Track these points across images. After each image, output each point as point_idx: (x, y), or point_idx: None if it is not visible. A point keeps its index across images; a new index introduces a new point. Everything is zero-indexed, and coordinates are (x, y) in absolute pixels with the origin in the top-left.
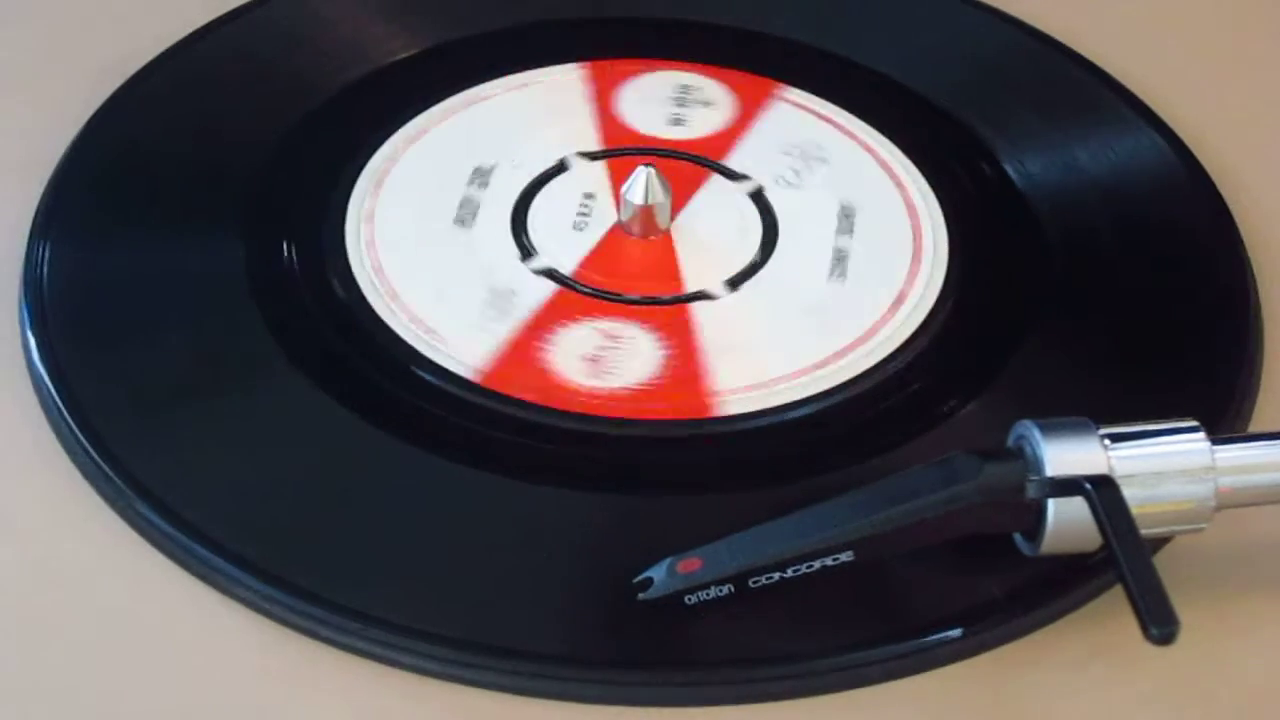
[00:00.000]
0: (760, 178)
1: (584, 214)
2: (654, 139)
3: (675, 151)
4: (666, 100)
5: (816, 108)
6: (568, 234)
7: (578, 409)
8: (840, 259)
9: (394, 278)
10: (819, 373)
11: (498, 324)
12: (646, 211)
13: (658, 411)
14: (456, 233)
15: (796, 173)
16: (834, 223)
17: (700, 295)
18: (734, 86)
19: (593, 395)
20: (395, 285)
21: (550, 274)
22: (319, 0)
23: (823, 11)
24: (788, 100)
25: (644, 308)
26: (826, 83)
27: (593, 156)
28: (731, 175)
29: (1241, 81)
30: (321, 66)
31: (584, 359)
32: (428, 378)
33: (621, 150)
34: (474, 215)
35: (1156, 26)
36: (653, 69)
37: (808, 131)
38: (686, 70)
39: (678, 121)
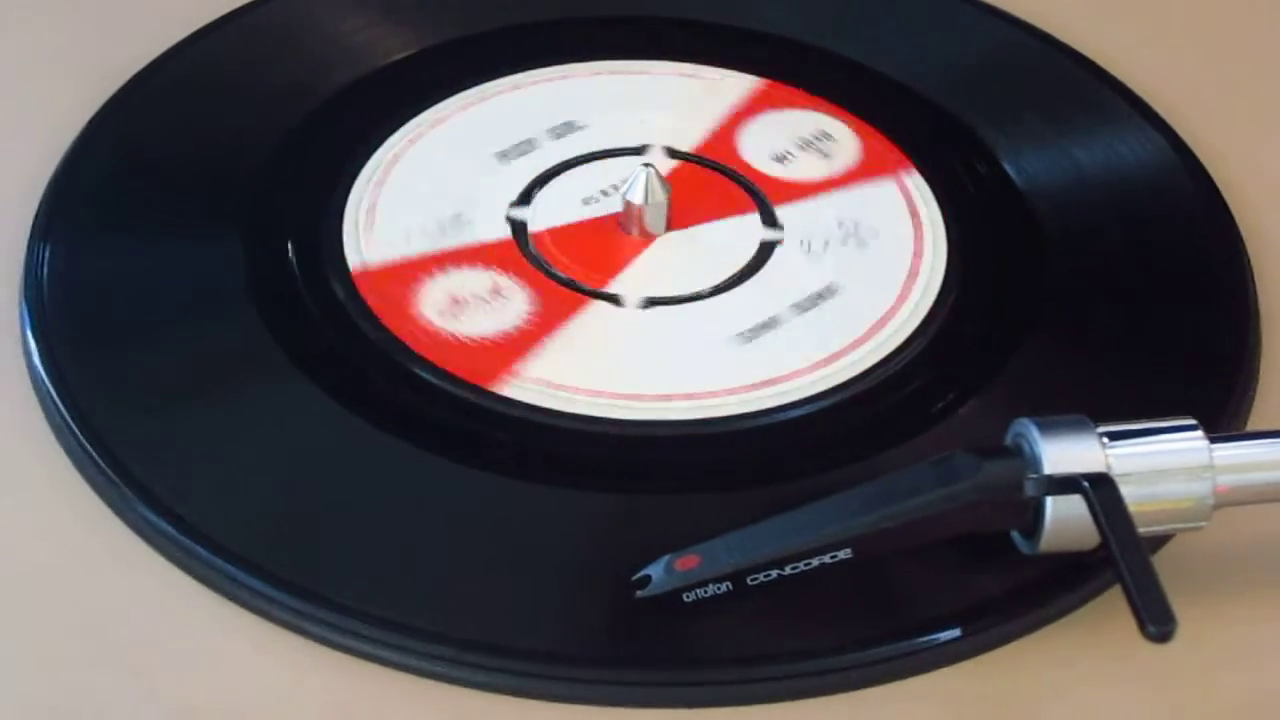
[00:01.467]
0: (793, 237)
1: (605, 194)
2: (746, 166)
3: (743, 178)
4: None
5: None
6: (571, 204)
7: (406, 338)
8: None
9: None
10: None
11: (423, 239)
12: (638, 211)
13: (451, 363)
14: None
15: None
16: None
17: (610, 298)
18: (865, 145)
19: (427, 330)
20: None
21: (516, 224)
22: (319, 1)
23: (822, 9)
24: (906, 176)
25: (553, 285)
26: (825, 82)
27: (674, 155)
28: (770, 221)
29: (1242, 80)
30: (322, 67)
31: (452, 299)
32: (427, 378)
33: (701, 160)
34: (523, 154)
35: (1157, 26)
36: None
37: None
38: (828, 113)
39: (782, 159)
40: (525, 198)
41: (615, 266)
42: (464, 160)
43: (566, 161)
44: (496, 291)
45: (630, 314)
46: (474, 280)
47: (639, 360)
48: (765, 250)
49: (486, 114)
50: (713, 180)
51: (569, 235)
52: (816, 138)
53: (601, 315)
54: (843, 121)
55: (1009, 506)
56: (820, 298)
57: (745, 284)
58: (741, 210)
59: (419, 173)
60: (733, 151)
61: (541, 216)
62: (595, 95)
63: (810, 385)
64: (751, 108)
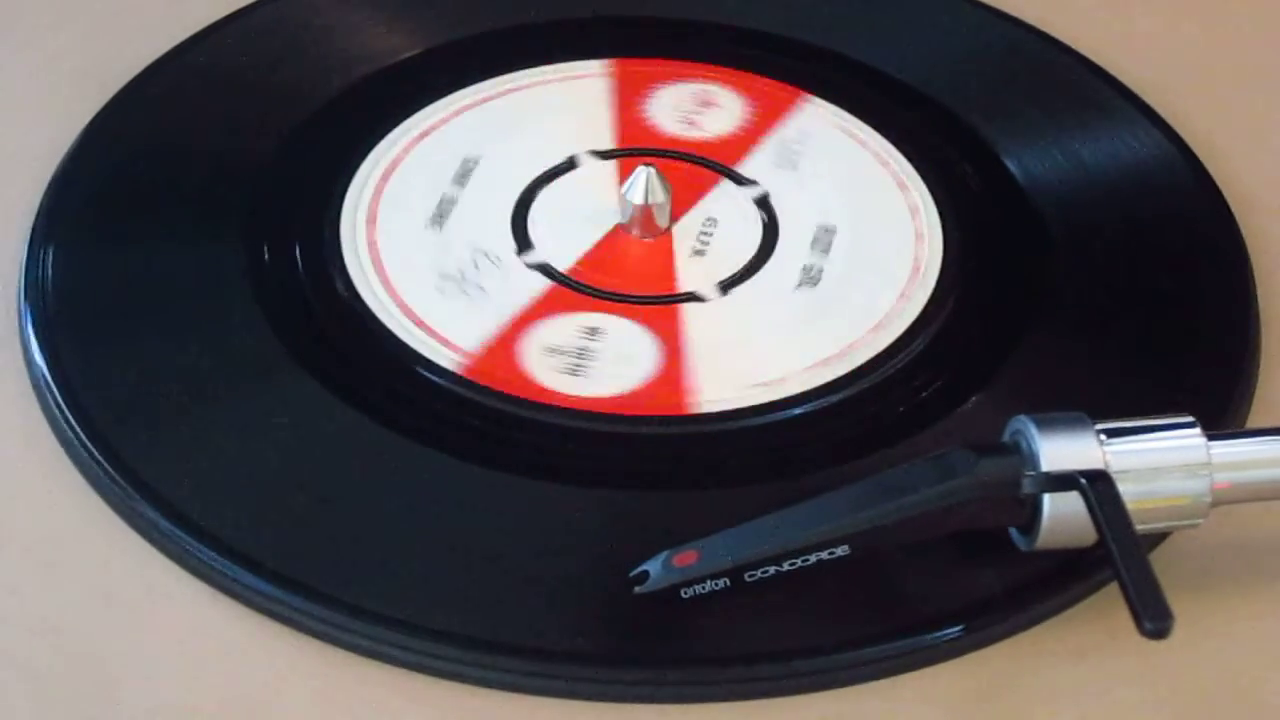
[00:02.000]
0: (767, 183)
1: (588, 212)
2: (670, 139)
3: (687, 154)
4: (683, 102)
5: (827, 112)
6: (568, 230)
7: (573, 406)
8: (841, 257)
9: (394, 276)
10: (819, 370)
11: (485, 318)
12: (646, 211)
13: (643, 408)
14: (457, 228)
15: (799, 173)
16: (835, 221)
17: (691, 296)
18: (748, 90)
19: (568, 395)
20: (396, 284)
21: (544, 269)
22: (320, 1)
23: (821, 9)
24: (807, 106)
25: (633, 306)
26: (826, 82)
27: (604, 155)
28: (740, 180)
29: (1243, 79)
30: (322, 67)
31: (564, 354)
32: (430, 377)
33: (634, 150)
34: (469, 211)
35: (1158, 25)
36: (672, 71)
37: (813, 131)
38: (704, 73)
39: (691, 124)
40: (525, 244)
41: (663, 269)
42: (435, 243)
43: (522, 197)
44: (594, 332)
45: (721, 303)
46: (566, 331)
47: (787, 334)
48: (764, 204)
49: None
50: (661, 165)
51: (598, 259)
52: (706, 102)
53: (700, 316)
54: (717, 81)
55: (1006, 503)
56: (847, 214)
57: (781, 240)
58: (711, 181)
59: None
60: (652, 132)
61: (555, 253)
62: (477, 130)
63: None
64: (631, 91)
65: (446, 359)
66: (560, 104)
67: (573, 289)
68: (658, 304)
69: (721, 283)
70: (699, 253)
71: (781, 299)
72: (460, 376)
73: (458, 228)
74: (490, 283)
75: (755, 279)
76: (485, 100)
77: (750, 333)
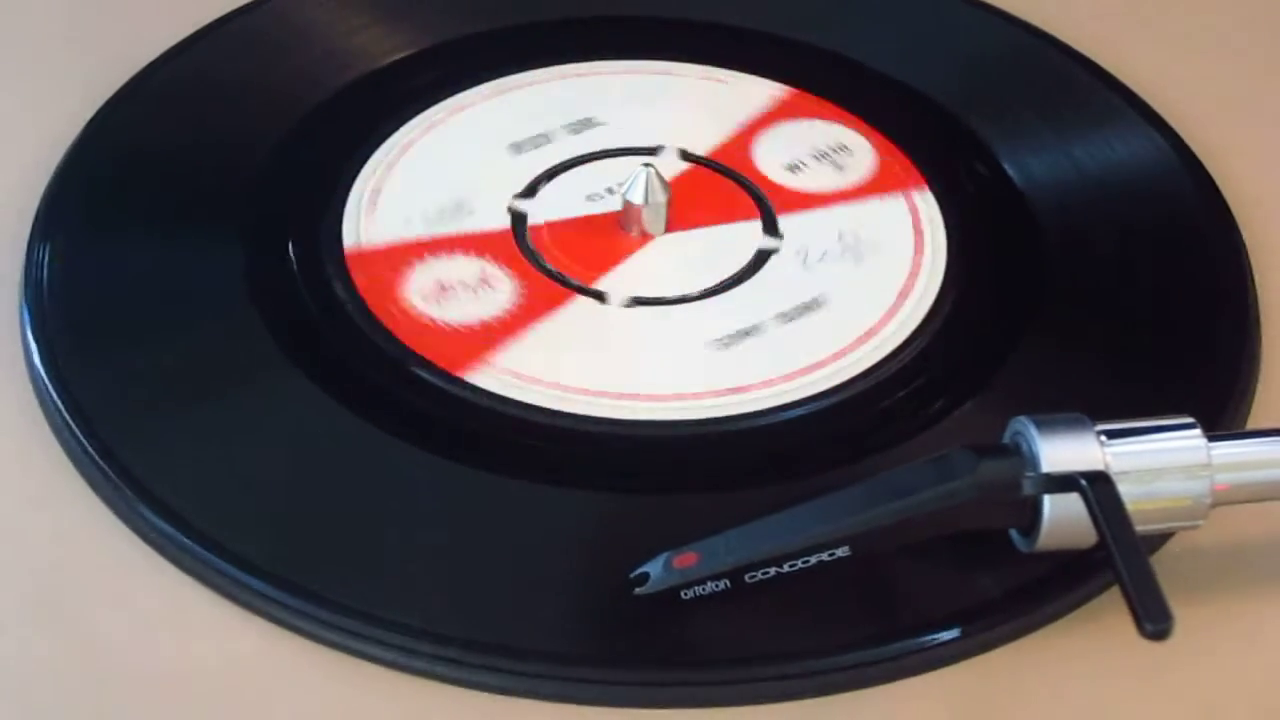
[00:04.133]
0: (791, 245)
1: (610, 192)
2: (757, 173)
3: (752, 185)
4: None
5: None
6: (575, 199)
7: (392, 326)
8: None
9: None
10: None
11: (422, 224)
12: (636, 210)
13: (424, 347)
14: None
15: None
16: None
17: (594, 294)
18: (882, 160)
19: (408, 314)
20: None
21: (517, 215)
22: (319, 1)
23: (822, 9)
24: (918, 193)
25: (540, 277)
26: (826, 82)
27: (686, 157)
28: (772, 230)
29: (1242, 80)
30: (323, 66)
31: (439, 285)
32: (427, 378)
33: (712, 164)
34: (538, 147)
35: (1157, 25)
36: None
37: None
38: (849, 125)
39: (795, 169)
40: (530, 190)
41: (607, 264)
42: (476, 150)
43: (578, 157)
44: (484, 280)
45: (613, 312)
46: (464, 268)
47: (612, 358)
48: (761, 258)
49: (504, 107)
50: (721, 185)
51: (568, 230)
52: (833, 149)
53: (584, 311)
54: (862, 135)
55: (1007, 505)
56: (807, 309)
57: (734, 290)
58: (744, 216)
59: (428, 161)
60: (746, 158)
61: (543, 210)
62: (617, 93)
63: (810, 384)
64: (773, 116)
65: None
66: (705, 102)
67: (516, 241)
68: (560, 284)
69: (636, 298)
70: (658, 268)
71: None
72: (462, 380)
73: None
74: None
75: (683, 308)
76: (636, 74)
77: (615, 344)
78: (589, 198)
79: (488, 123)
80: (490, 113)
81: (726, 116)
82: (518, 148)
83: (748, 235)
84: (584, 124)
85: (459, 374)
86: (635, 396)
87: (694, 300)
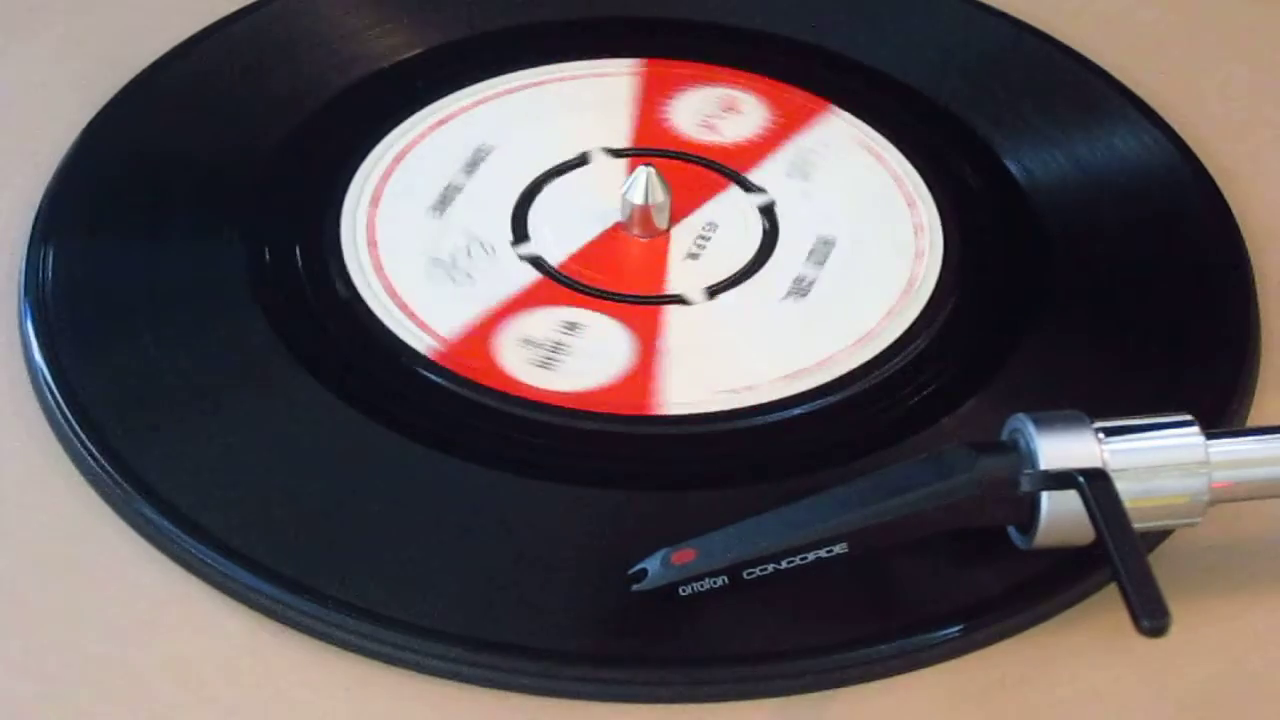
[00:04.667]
0: (775, 192)
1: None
2: (686, 141)
3: (700, 157)
4: (706, 106)
5: (842, 121)
6: (568, 225)
7: (553, 402)
8: (841, 256)
9: (394, 276)
10: (819, 370)
11: (468, 304)
12: (644, 211)
13: (604, 406)
14: (456, 215)
15: (804, 176)
16: (835, 221)
17: (678, 299)
18: (774, 98)
19: (536, 388)
20: (396, 284)
21: (535, 261)
22: (319, 2)
23: (822, 9)
24: (830, 117)
25: (622, 306)
26: (825, 81)
27: (618, 154)
28: (748, 187)
29: (1241, 79)
30: (323, 66)
31: (541, 347)
32: (429, 376)
33: (648, 150)
34: (472, 200)
35: (1157, 24)
36: (699, 75)
37: (828, 139)
38: (731, 78)
39: (710, 128)
40: (522, 235)
41: (657, 271)
42: (434, 235)
43: (527, 190)
44: (570, 327)
45: (702, 308)
46: (543, 321)
47: (770, 340)
48: (768, 213)
49: (400, 173)
50: (672, 166)
51: (591, 256)
52: (729, 108)
53: (681, 317)
54: (742, 88)
55: (1005, 502)
56: (846, 213)
57: (780, 244)
58: (719, 187)
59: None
60: (669, 134)
61: (550, 247)
62: (489, 121)
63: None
64: (656, 92)
65: (426, 344)
66: (583, 100)
67: (559, 283)
68: (642, 304)
69: (710, 287)
70: (693, 256)
71: (774, 301)
72: (462, 378)
73: (458, 215)
74: (479, 272)
75: (751, 281)
76: (507, 93)
77: (747, 334)
78: (585, 217)
79: (398, 193)
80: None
81: (616, 104)
82: (438, 209)
83: (737, 201)
84: (478, 155)
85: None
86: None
87: (757, 271)
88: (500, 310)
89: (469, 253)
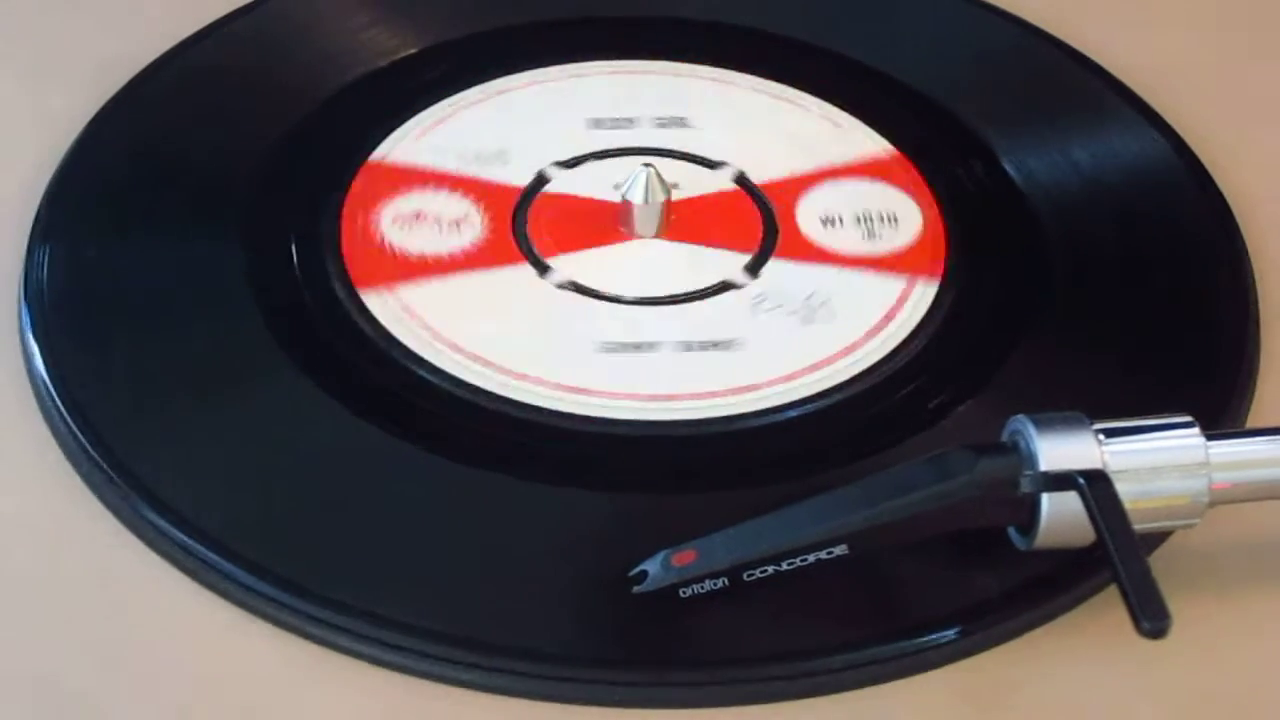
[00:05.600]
0: (757, 289)
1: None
2: (791, 216)
3: (775, 224)
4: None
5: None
6: (603, 184)
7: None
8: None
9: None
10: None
11: (455, 160)
12: (630, 209)
13: (353, 258)
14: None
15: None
16: (835, 221)
17: (541, 266)
18: (924, 235)
19: (368, 232)
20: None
21: (540, 178)
22: (320, 0)
23: (822, 9)
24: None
25: (508, 236)
26: (824, 81)
27: (738, 181)
28: (755, 271)
29: (1242, 79)
30: (323, 66)
31: (416, 213)
32: (428, 378)
33: (754, 193)
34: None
35: (1157, 24)
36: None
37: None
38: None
39: (828, 224)
40: (574, 162)
41: (576, 245)
42: (552, 115)
43: (641, 149)
44: (459, 221)
45: (545, 288)
46: (451, 205)
47: (508, 329)
48: (719, 289)
49: (593, 85)
50: (746, 214)
51: (568, 205)
52: (883, 216)
53: (519, 278)
54: (919, 207)
55: (1005, 503)
56: (715, 346)
57: (666, 307)
58: (740, 248)
59: (498, 109)
60: (792, 200)
61: (567, 183)
62: (714, 101)
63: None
64: (851, 171)
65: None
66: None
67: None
68: (519, 247)
69: (573, 283)
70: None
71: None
72: (461, 380)
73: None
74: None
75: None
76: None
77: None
78: (616, 186)
79: (573, 92)
80: (573, 89)
81: (812, 157)
82: (597, 123)
83: (726, 265)
84: (674, 121)
85: (359, 290)
86: (581, 390)
87: (625, 304)
88: (448, 177)
89: (504, 154)
